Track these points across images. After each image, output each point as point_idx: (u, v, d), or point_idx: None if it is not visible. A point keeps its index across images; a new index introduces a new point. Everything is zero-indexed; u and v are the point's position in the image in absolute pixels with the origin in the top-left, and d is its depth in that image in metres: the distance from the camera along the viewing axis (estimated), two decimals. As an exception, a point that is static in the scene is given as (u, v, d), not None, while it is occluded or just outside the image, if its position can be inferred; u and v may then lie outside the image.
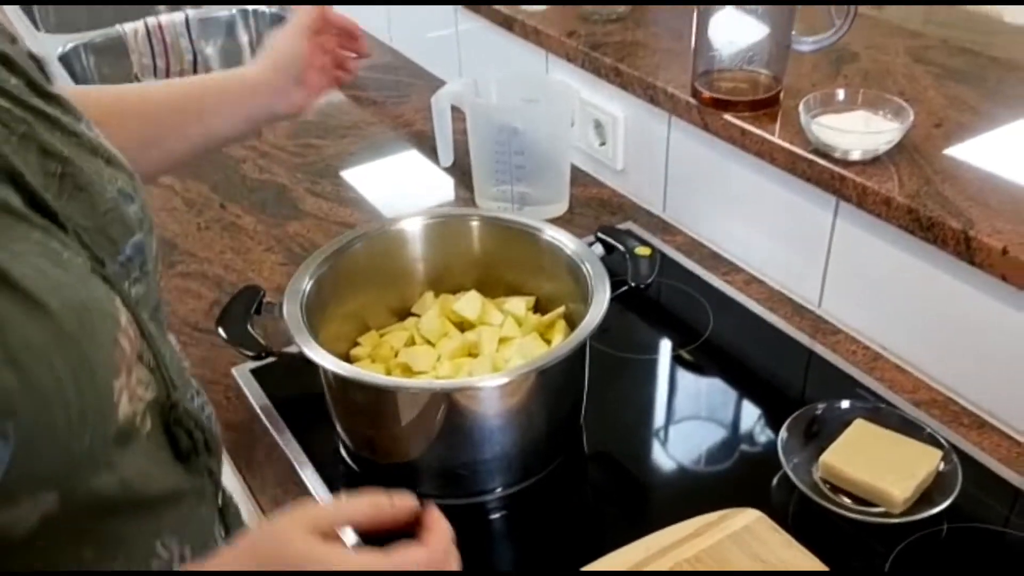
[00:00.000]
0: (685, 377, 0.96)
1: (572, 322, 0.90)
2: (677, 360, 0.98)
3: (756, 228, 1.08)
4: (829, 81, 1.09)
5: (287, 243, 1.20)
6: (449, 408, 0.76)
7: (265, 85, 0.87)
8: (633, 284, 0.83)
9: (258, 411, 0.92)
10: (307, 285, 0.84)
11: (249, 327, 0.79)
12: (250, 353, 0.77)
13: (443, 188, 1.30)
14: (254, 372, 0.96)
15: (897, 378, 0.93)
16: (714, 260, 1.12)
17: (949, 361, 0.91)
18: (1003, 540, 0.77)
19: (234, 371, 0.97)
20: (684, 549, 0.75)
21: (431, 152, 1.36)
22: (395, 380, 0.81)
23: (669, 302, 1.06)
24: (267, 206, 1.28)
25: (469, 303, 0.91)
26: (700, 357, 0.98)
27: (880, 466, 0.79)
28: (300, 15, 0.90)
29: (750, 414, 0.91)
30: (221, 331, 0.79)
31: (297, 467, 0.85)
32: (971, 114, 1.00)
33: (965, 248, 0.82)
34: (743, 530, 0.76)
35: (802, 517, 0.79)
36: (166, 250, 1.19)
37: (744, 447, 0.87)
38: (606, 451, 0.88)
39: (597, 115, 1.24)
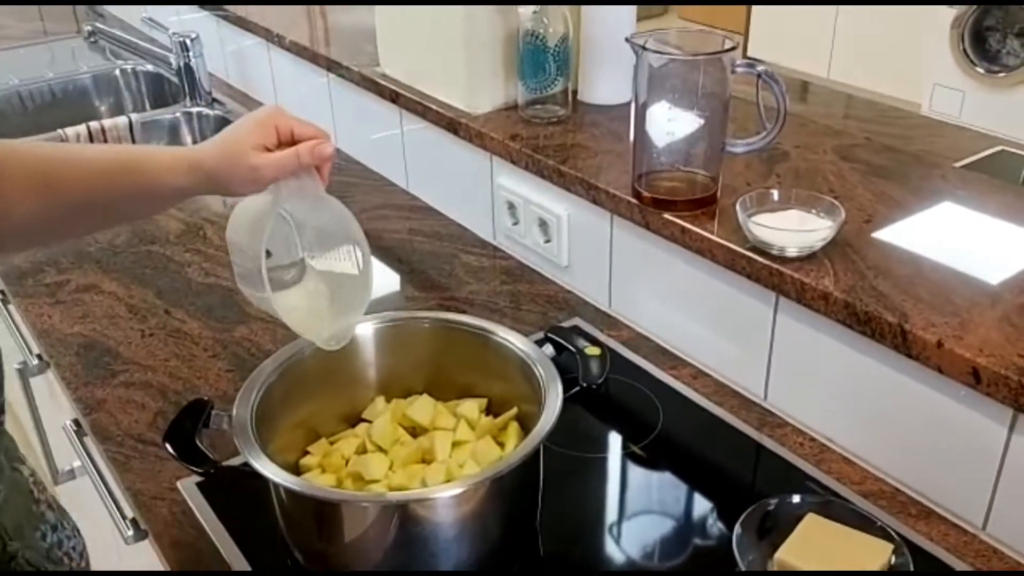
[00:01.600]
0: (638, 473, 0.97)
1: (524, 423, 0.90)
2: (630, 456, 0.98)
3: (700, 322, 1.10)
4: (763, 179, 1.13)
5: (233, 348, 1.19)
6: (403, 519, 0.75)
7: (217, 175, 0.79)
8: (584, 384, 0.84)
9: (205, 527, 0.90)
10: (255, 397, 0.83)
11: (197, 441, 0.78)
12: (198, 470, 0.75)
13: (389, 286, 1.31)
14: (200, 486, 0.94)
15: (845, 470, 0.95)
16: (661, 355, 1.14)
17: (893, 452, 0.93)
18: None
19: (180, 484, 0.95)
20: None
21: (378, 251, 1.37)
22: (345, 493, 0.80)
23: (619, 397, 1.07)
24: (213, 310, 1.27)
25: (422, 408, 0.91)
26: (652, 452, 0.98)
27: (834, 562, 0.80)
28: (254, 119, 0.80)
29: (703, 509, 0.92)
30: (169, 447, 0.77)
31: (247, 585, 0.83)
32: (898, 209, 1.05)
33: (902, 341, 0.85)
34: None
35: (760, 616, 0.79)
36: (109, 359, 1.17)
37: (698, 542, 0.87)
38: (563, 552, 0.88)
39: (542, 214, 1.27)
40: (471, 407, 0.92)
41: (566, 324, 1.20)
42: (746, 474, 0.96)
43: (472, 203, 1.42)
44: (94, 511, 1.17)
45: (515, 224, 1.33)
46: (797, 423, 1.01)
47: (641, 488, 0.95)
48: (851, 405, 0.95)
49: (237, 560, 0.85)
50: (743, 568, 0.81)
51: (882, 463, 0.94)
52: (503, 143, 1.28)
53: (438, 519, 0.76)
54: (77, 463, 1.41)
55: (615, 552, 0.87)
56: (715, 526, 0.89)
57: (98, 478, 1.08)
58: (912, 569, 0.79)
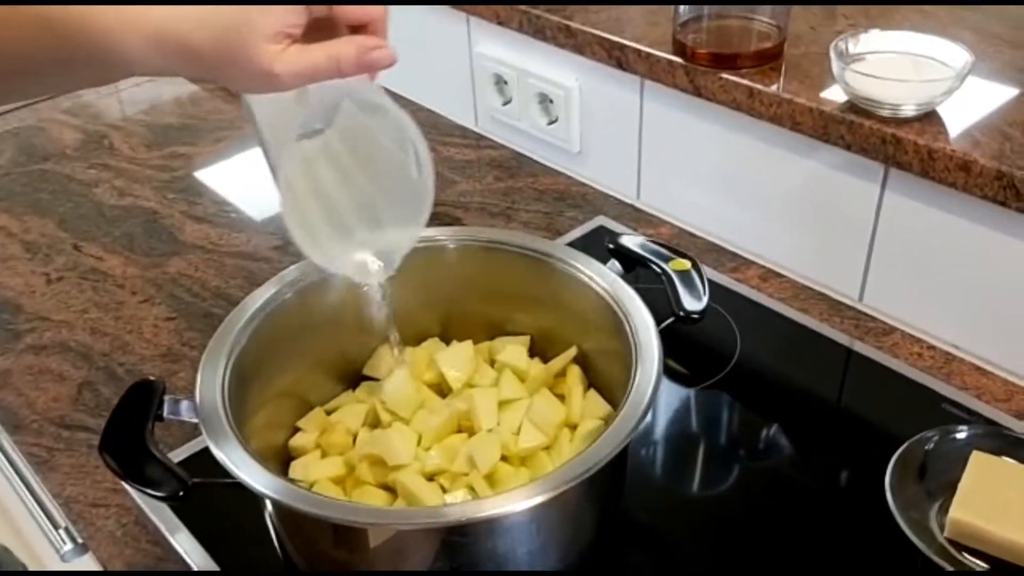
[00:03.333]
0: (725, 410, 0.76)
1: (584, 365, 0.68)
2: (711, 388, 0.77)
3: (765, 209, 0.88)
4: (827, 21, 0.90)
5: (170, 289, 0.92)
6: (463, 538, 0.53)
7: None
8: (682, 313, 0.61)
9: (171, 542, 0.66)
10: (225, 369, 0.59)
11: (152, 449, 0.53)
12: (162, 495, 0.51)
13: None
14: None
15: (983, 383, 0.75)
16: (715, 254, 0.92)
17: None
18: None
19: (129, 487, 0.70)
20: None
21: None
22: (380, 511, 0.57)
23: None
24: (135, 241, 1.00)
25: (455, 357, 0.68)
26: (735, 382, 0.77)
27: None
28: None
29: (821, 455, 0.71)
30: (110, 460, 0.52)
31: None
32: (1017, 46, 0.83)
33: (1082, 218, 0.64)
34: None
35: (937, 597, 0.60)
36: (8, 315, 0.90)
37: (821, 503, 0.67)
38: (650, 530, 0.67)
39: (543, 88, 1.01)
40: (515, 351, 0.69)
41: (588, 225, 0.96)
42: (860, 403, 0.76)
43: (444, 81, 1.15)
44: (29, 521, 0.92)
45: (506, 104, 1.08)
46: (907, 327, 0.81)
47: (735, 429, 0.74)
48: (985, 301, 0.75)
49: (223, 590, 0.62)
50: (904, 526, 0.61)
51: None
52: (489, -1, 1.01)
53: (512, 534, 0.54)
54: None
55: (719, 523, 0.67)
56: (843, 480, 0.69)
57: (18, 480, 0.82)
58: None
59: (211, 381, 0.58)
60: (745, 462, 0.71)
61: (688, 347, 0.80)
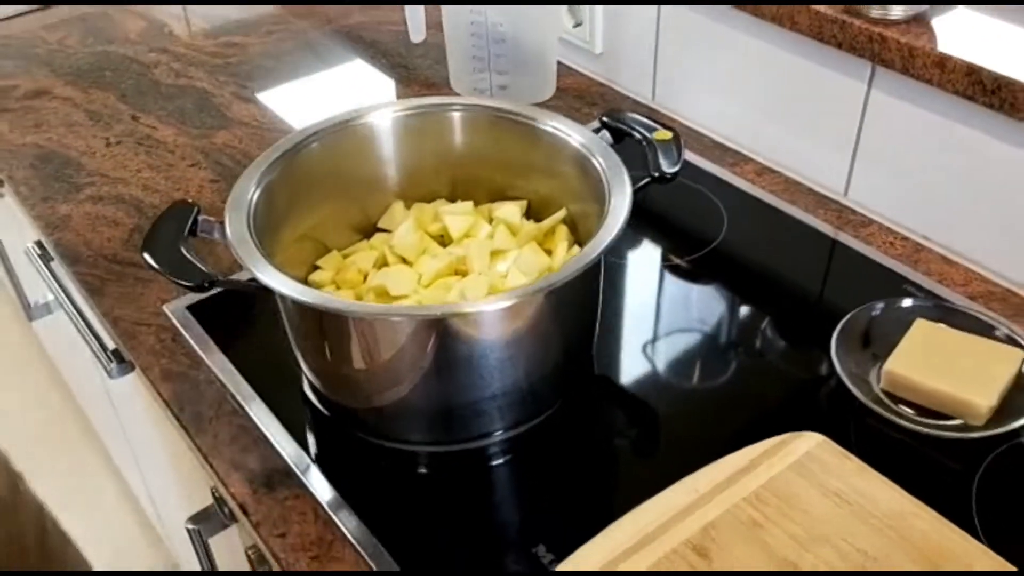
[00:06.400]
0: (705, 285, 0.83)
1: (575, 226, 0.76)
2: (694, 265, 0.84)
3: (765, 109, 0.94)
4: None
5: (216, 156, 1.02)
6: (443, 338, 0.61)
7: None
8: (657, 175, 0.68)
9: (201, 355, 0.76)
10: (254, 195, 0.67)
11: (184, 251, 0.62)
12: (188, 283, 0.60)
13: (393, 95, 1.13)
14: (191, 309, 0.80)
15: (946, 271, 0.81)
16: (718, 151, 0.98)
17: (1006, 249, 0.79)
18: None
19: (166, 309, 0.80)
20: (740, 487, 0.62)
21: (377, 54, 1.18)
22: (378, 307, 0.66)
23: (675, 199, 0.92)
24: (187, 115, 1.09)
25: (455, 212, 0.76)
26: (718, 261, 0.84)
27: (954, 372, 0.67)
28: None
29: (784, 323, 0.78)
30: (148, 257, 0.62)
31: (256, 419, 0.70)
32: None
33: (1041, 111, 0.70)
34: (805, 457, 0.64)
35: (866, 438, 0.67)
36: (71, 171, 1.00)
37: (783, 363, 0.74)
38: (620, 380, 0.75)
39: (570, -10, 1.07)
40: (510, 210, 0.76)
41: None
42: (832, 282, 0.83)
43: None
44: (77, 348, 1.03)
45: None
46: (884, 220, 0.87)
47: (710, 302, 0.82)
48: (954, 195, 0.81)
49: (242, 389, 0.72)
50: (844, 379, 0.68)
51: (992, 261, 0.80)
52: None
53: (487, 337, 0.62)
54: (51, 296, 1.26)
55: (685, 378, 0.74)
56: (803, 345, 0.76)
57: (71, 307, 0.93)
58: (1047, 380, 0.66)
59: (240, 208, 0.67)
60: (713, 327, 0.78)
61: (676, 229, 0.87)
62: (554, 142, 0.74)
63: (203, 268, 0.61)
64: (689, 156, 0.96)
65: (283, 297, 0.62)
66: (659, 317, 0.80)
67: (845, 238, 0.86)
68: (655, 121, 0.74)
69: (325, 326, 0.64)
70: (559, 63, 1.14)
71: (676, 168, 0.68)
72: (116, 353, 0.85)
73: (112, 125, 1.08)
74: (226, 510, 0.72)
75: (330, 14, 1.32)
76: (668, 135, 0.71)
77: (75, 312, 0.92)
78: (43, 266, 0.97)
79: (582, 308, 0.69)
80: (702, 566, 0.58)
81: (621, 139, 0.74)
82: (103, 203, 0.95)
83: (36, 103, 1.12)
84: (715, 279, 0.83)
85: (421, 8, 1.07)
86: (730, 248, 0.85)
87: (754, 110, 0.95)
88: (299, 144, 0.73)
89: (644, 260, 0.85)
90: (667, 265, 0.84)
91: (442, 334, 0.61)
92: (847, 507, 0.60)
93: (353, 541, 0.62)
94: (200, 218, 0.67)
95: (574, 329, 0.69)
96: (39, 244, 0.99)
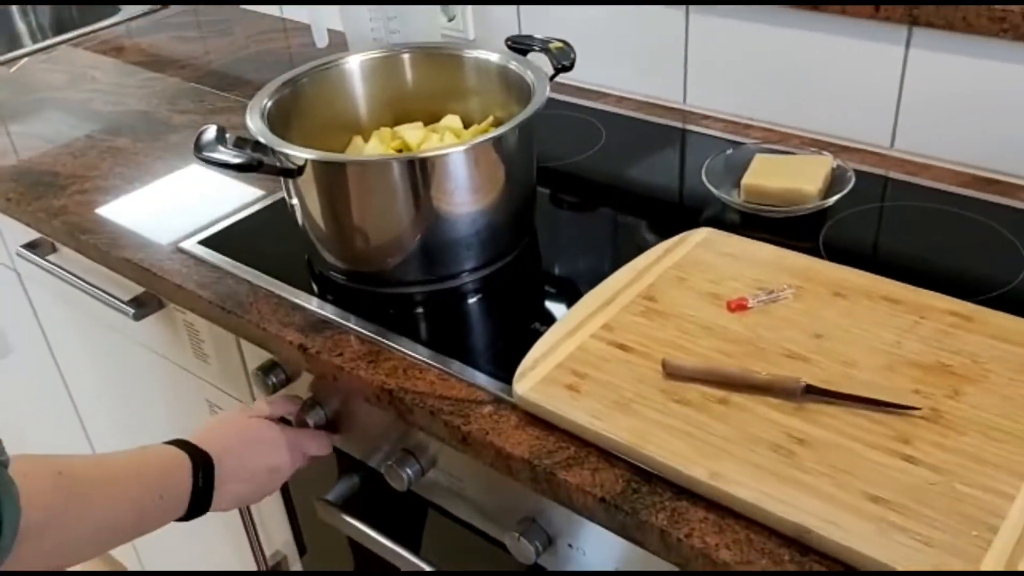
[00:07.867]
0: (602, 174, 1.09)
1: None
2: (590, 161, 1.10)
3: (612, 54, 1.22)
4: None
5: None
6: (424, 177, 0.83)
7: None
8: (561, 67, 0.94)
9: (226, 267, 0.94)
10: (267, 103, 0.89)
11: (223, 148, 0.82)
12: (243, 163, 0.80)
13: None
14: (203, 243, 0.98)
15: (769, 135, 1.11)
16: (583, 92, 1.26)
17: (809, 108, 1.09)
18: (901, 212, 0.96)
19: (184, 245, 0.98)
20: (665, 260, 0.86)
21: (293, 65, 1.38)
22: (372, 156, 0.90)
23: (560, 124, 1.18)
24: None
25: (411, 129, 0.99)
26: (606, 159, 1.10)
27: (789, 176, 0.95)
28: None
29: (665, 180, 1.05)
30: (205, 157, 0.81)
31: (288, 295, 0.89)
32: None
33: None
34: (704, 241, 0.89)
35: (740, 228, 0.93)
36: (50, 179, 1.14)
37: (674, 197, 1.01)
38: (556, 234, 0.99)
39: (442, -7, 1.34)
40: (452, 119, 1.00)
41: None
42: (690, 146, 1.11)
43: None
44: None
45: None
46: (719, 114, 1.17)
47: (608, 182, 1.07)
48: (769, 81, 1.10)
49: (263, 278, 0.91)
50: (716, 192, 0.95)
51: (803, 122, 1.10)
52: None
53: (459, 175, 0.84)
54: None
55: (599, 224, 0.99)
56: (681, 186, 1.03)
57: (83, 283, 1.08)
58: (852, 174, 0.95)
59: (257, 111, 0.88)
60: (616, 195, 1.04)
61: (571, 136, 1.14)
62: (479, 65, 0.99)
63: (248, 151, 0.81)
64: (560, 96, 1.23)
65: (300, 169, 0.82)
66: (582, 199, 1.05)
67: (691, 127, 1.14)
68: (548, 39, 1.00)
69: (334, 184, 0.85)
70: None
71: (572, 60, 0.95)
72: (135, 301, 1.01)
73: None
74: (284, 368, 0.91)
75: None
76: (562, 43, 0.97)
77: (86, 284, 1.07)
78: (42, 260, 1.11)
79: (524, 164, 0.92)
80: (653, 306, 0.82)
81: (526, 54, 0.99)
82: (89, 194, 1.11)
83: (-13, 143, 1.26)
84: (612, 169, 1.09)
85: (324, 15, 1.30)
86: (613, 151, 1.12)
87: (602, 57, 1.23)
88: (297, 76, 0.96)
89: (549, 155, 1.10)
90: (570, 161, 1.10)
91: (424, 173, 0.82)
92: (740, 260, 0.86)
93: (395, 347, 0.81)
94: (227, 135, 0.86)
95: (520, 180, 0.92)
96: (30, 244, 1.13)
